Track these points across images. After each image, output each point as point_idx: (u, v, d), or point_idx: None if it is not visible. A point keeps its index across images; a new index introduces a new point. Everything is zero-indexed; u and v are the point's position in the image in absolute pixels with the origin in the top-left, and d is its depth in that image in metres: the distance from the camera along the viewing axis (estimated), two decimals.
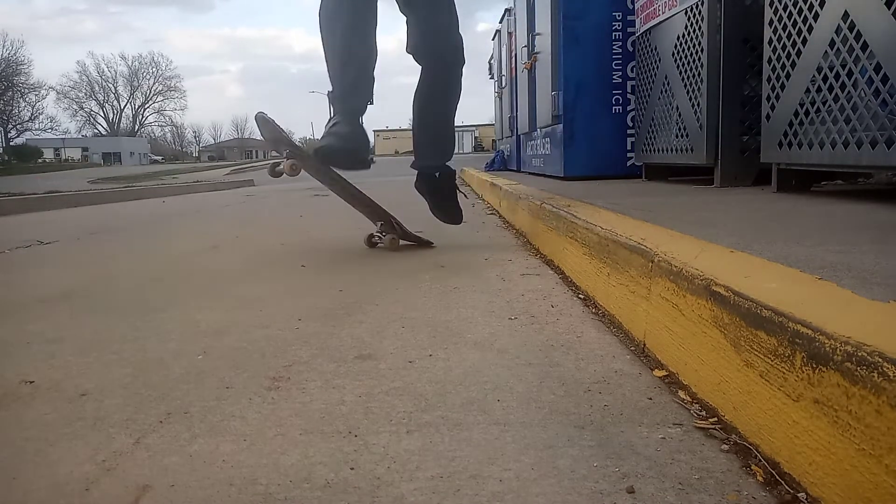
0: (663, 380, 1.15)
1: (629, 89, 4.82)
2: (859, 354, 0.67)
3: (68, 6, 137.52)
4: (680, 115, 3.60)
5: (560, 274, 2.12)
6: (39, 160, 39.05)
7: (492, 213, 4.26)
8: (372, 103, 2.62)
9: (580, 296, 1.81)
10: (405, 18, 2.73)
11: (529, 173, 6.72)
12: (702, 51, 3.26)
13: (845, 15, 2.24)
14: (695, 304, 1.07)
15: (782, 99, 2.68)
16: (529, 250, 2.66)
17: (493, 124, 13.13)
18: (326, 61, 2.57)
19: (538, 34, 5.72)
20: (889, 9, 2.02)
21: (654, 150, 4.09)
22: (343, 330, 1.55)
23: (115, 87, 66.75)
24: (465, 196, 3.10)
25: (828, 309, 0.82)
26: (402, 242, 2.74)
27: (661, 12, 3.79)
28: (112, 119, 66.21)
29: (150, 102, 67.94)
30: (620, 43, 4.81)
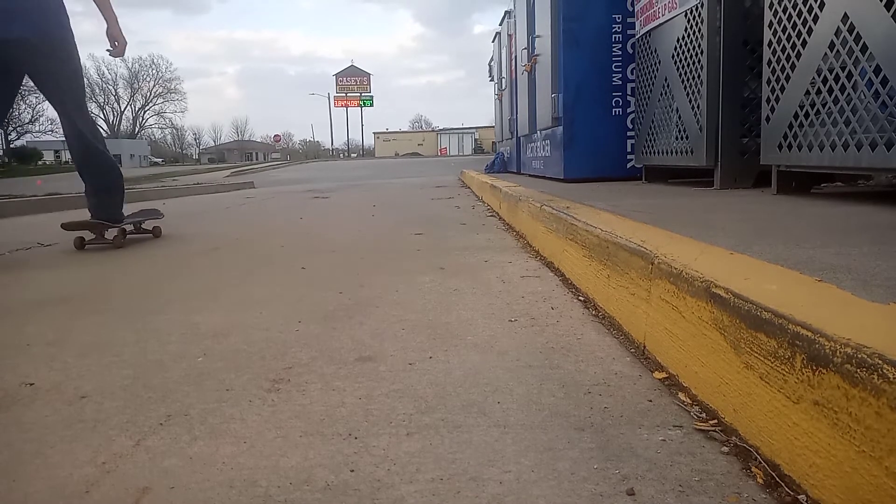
0: (663, 382, 1.15)
1: (629, 91, 4.83)
2: (859, 356, 0.67)
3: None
4: (680, 118, 3.60)
5: (560, 276, 2.12)
6: (39, 162, 39.07)
7: (492, 216, 4.26)
8: None
9: (580, 298, 1.81)
10: None
11: (529, 175, 6.73)
12: (701, 53, 3.27)
13: (845, 17, 2.24)
14: (695, 306, 1.07)
15: (782, 101, 2.68)
16: (529, 252, 2.66)
17: (493, 126, 13.15)
18: None
19: (538, 36, 5.72)
20: (889, 11, 2.02)
21: (654, 152, 4.09)
22: (343, 332, 1.55)
23: (116, 90, 66.73)
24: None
25: (828, 311, 0.82)
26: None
27: (660, 14, 3.79)
28: (112, 121, 66.16)
29: (151, 105, 67.99)
30: (620, 45, 4.82)
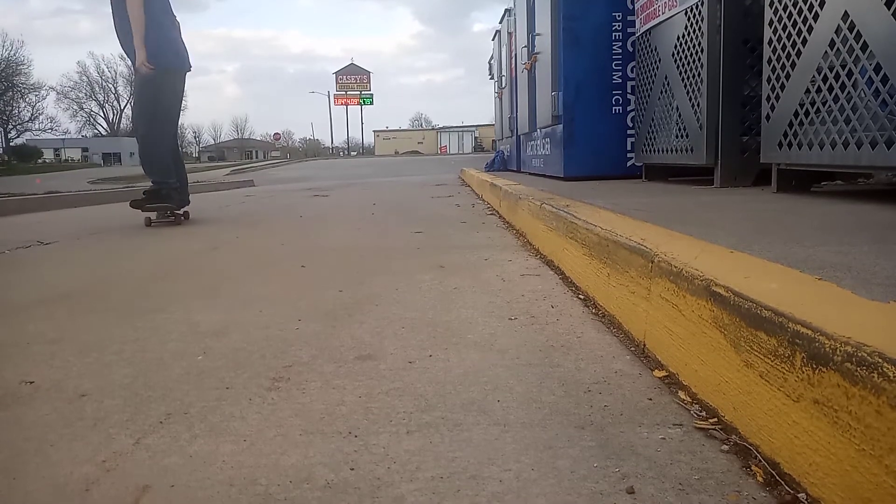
0: (663, 380, 1.15)
1: (629, 89, 4.82)
2: (859, 355, 0.67)
3: (64, 6, 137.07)
4: (680, 116, 3.60)
5: (560, 274, 2.12)
6: (39, 160, 39.11)
7: (492, 214, 4.26)
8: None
9: (580, 296, 1.81)
10: None
11: (529, 174, 6.72)
12: (702, 51, 3.26)
13: (845, 15, 2.24)
14: (695, 304, 1.07)
15: (782, 99, 2.68)
16: (529, 250, 2.66)
17: (493, 125, 13.13)
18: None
19: (538, 34, 5.72)
20: (889, 9, 2.02)
21: (654, 151, 4.09)
22: (343, 330, 1.55)
23: (116, 88, 66.64)
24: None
25: (828, 309, 0.82)
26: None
27: (661, 13, 3.79)
28: (112, 119, 66.14)
29: None
30: (620, 43, 4.82)
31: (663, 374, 1.17)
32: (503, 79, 8.99)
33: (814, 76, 2.45)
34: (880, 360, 0.64)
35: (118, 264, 2.77)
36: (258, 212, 5.39)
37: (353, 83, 61.10)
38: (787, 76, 2.63)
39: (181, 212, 4.33)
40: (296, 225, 4.15)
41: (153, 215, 4.18)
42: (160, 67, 3.94)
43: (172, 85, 4.09)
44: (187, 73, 4.25)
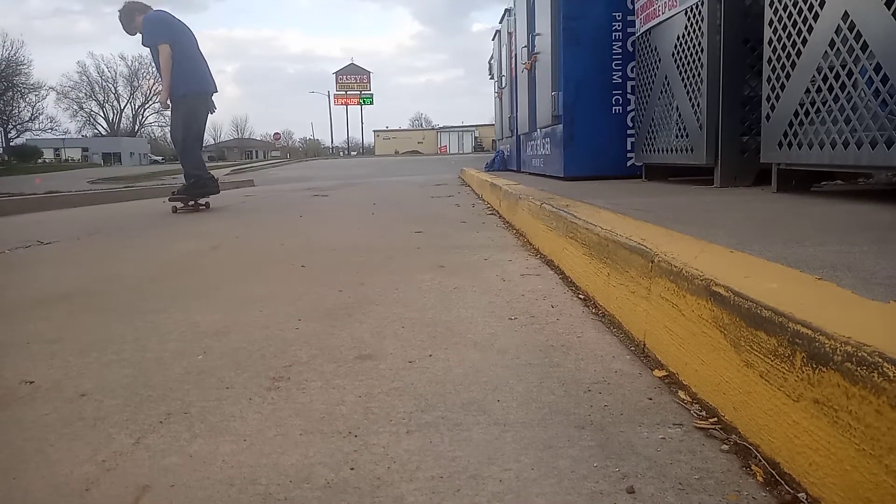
0: (663, 380, 1.15)
1: (629, 89, 4.82)
2: (859, 355, 0.67)
3: (63, 6, 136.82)
4: (680, 116, 3.60)
5: (560, 274, 2.12)
6: (39, 160, 39.09)
7: (492, 214, 4.26)
8: None
9: (580, 296, 1.81)
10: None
11: (529, 173, 6.72)
12: (702, 51, 3.26)
13: (845, 15, 2.24)
14: (695, 304, 1.07)
15: (782, 99, 2.68)
16: (529, 250, 2.66)
17: (493, 124, 13.13)
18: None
19: (538, 34, 5.71)
20: (889, 9, 2.02)
21: (654, 151, 4.09)
22: (343, 330, 1.55)
23: (115, 88, 66.68)
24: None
25: (828, 309, 0.82)
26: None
27: (661, 12, 3.79)
28: (112, 119, 66.11)
29: (150, 102, 67.61)
30: (620, 43, 4.81)
31: (663, 373, 1.17)
32: (503, 79, 8.99)
33: (814, 76, 2.45)
34: (880, 360, 0.64)
35: (118, 264, 2.76)
36: (258, 211, 5.38)
37: (353, 83, 61.09)
38: (788, 76, 2.62)
39: (203, 202, 5.28)
40: (296, 224, 4.14)
41: (178, 204, 5.17)
42: (201, 93, 5.14)
43: (206, 104, 5.28)
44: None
